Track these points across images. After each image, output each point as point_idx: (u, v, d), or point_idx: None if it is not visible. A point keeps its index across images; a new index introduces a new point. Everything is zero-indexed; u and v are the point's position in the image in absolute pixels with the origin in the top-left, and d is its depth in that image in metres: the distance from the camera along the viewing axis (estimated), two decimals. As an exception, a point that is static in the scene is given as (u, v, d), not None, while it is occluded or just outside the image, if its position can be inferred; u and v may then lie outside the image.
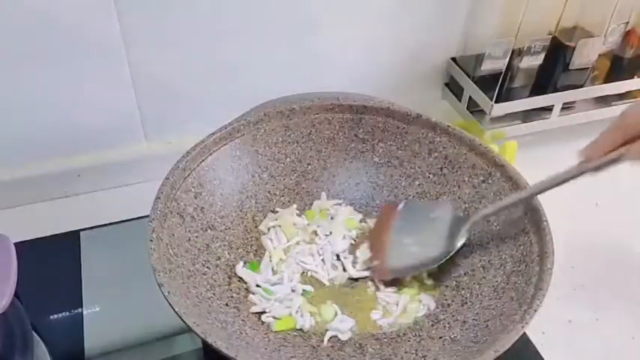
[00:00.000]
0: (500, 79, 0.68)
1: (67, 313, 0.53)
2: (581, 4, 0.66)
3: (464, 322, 0.46)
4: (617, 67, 0.73)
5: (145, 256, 0.42)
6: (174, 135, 0.67)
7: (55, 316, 0.53)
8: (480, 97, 0.69)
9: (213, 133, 0.52)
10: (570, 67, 0.69)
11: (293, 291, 0.50)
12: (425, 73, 0.75)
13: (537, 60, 0.68)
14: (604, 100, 0.74)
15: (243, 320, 0.46)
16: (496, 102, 0.68)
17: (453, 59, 0.74)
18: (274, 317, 0.48)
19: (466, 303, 0.48)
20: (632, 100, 0.75)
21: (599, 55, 0.70)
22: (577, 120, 0.73)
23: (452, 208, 0.52)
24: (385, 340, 0.47)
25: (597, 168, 0.45)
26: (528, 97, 0.70)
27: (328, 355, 0.46)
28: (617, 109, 0.74)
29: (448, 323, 0.47)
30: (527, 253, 0.46)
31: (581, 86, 0.70)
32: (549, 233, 0.45)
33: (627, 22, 0.69)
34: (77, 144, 0.64)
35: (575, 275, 0.59)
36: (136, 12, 0.56)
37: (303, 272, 0.52)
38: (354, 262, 0.52)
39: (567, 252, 0.58)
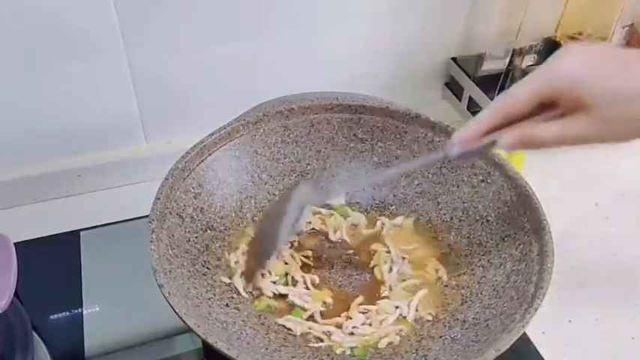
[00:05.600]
0: (501, 79, 0.68)
1: (67, 313, 0.53)
2: (584, 6, 0.65)
3: (464, 321, 0.46)
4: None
5: (145, 256, 0.42)
6: (174, 135, 0.67)
7: (55, 316, 0.53)
8: (480, 97, 0.69)
9: (213, 134, 0.52)
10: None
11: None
12: (425, 73, 0.75)
13: (538, 60, 0.68)
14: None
15: (243, 321, 0.46)
16: (496, 102, 0.68)
17: (453, 59, 0.74)
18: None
19: (466, 302, 0.48)
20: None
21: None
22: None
23: None
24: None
25: (467, 154, 0.41)
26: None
27: (328, 355, 0.46)
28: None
29: (448, 322, 0.47)
30: (526, 252, 0.46)
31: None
32: (549, 232, 0.45)
33: (632, 24, 0.69)
34: (77, 144, 0.64)
35: (575, 275, 0.59)
36: (136, 12, 0.57)
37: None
38: None
39: (567, 251, 0.58)
